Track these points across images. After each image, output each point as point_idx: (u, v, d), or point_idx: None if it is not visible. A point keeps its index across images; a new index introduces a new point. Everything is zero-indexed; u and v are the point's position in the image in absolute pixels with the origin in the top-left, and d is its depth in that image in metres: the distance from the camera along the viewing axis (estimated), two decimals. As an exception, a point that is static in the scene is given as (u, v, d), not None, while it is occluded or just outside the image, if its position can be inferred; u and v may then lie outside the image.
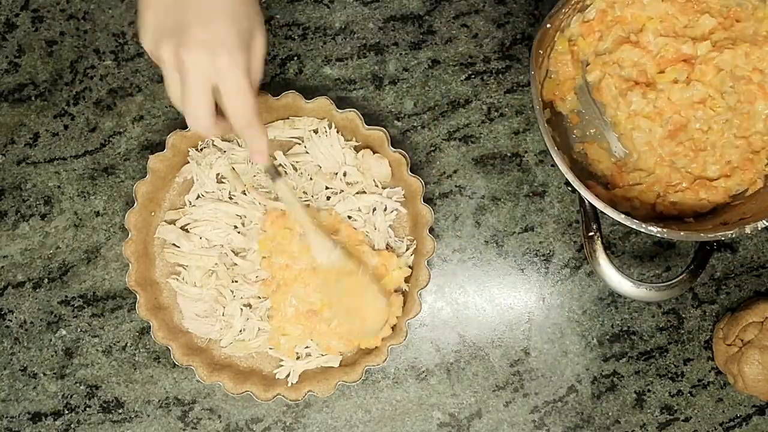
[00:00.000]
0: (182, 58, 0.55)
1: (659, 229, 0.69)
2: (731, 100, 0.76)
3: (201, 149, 0.79)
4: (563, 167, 0.69)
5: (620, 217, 0.69)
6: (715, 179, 0.77)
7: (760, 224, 0.69)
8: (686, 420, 0.83)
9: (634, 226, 0.69)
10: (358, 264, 0.74)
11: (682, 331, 0.83)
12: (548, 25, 0.71)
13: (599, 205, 0.69)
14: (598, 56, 0.78)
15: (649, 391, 0.83)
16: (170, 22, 0.56)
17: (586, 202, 0.71)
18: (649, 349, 0.83)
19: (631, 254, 0.83)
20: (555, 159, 0.69)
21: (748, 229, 0.69)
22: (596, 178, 0.80)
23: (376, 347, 0.77)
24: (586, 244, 0.73)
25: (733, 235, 0.69)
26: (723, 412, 0.83)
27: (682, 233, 0.69)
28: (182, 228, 0.79)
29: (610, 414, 0.83)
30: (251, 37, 0.58)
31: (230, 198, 0.79)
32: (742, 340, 0.79)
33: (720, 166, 0.78)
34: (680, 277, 0.73)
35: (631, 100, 0.77)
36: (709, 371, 0.83)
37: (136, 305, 0.76)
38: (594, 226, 0.73)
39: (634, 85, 0.77)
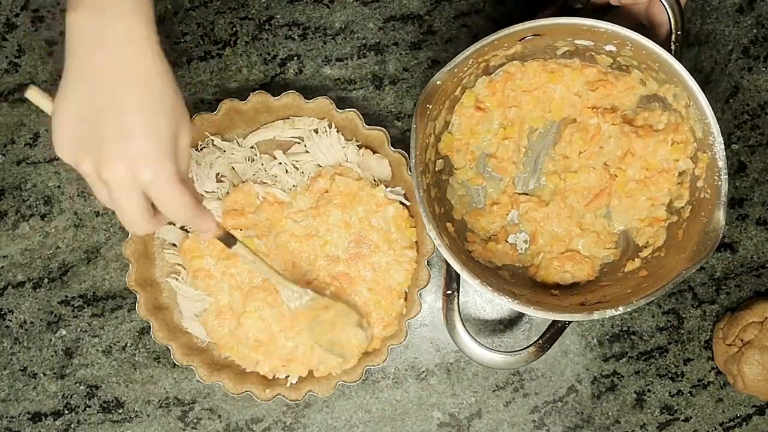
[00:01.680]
0: (104, 176, 0.53)
1: (509, 299, 0.68)
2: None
3: (201, 149, 0.79)
4: (427, 222, 0.69)
5: (474, 282, 0.68)
6: (585, 256, 0.78)
7: (609, 312, 0.67)
8: (686, 420, 0.83)
9: (487, 294, 0.68)
10: (331, 299, 0.74)
11: (682, 331, 0.83)
12: (438, 81, 0.69)
13: (456, 266, 0.68)
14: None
15: (649, 391, 0.83)
16: (86, 134, 0.52)
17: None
18: (649, 349, 0.83)
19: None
20: (422, 214, 0.69)
21: (595, 315, 0.67)
22: (477, 233, 0.79)
23: (376, 348, 0.77)
24: (444, 301, 0.72)
25: (580, 320, 0.68)
26: (723, 412, 0.83)
27: (531, 308, 0.68)
28: (182, 228, 0.79)
29: (610, 414, 0.83)
30: (175, 138, 0.54)
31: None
32: (742, 340, 0.79)
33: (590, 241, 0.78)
34: (527, 348, 0.71)
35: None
36: (709, 371, 0.83)
37: (136, 305, 0.76)
38: (454, 285, 0.72)
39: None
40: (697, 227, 0.70)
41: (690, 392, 0.83)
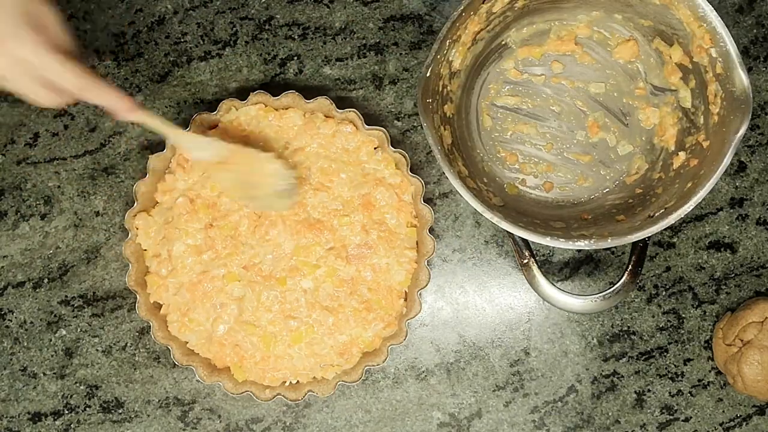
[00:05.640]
0: None
1: (587, 242, 0.69)
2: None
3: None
4: (478, 204, 0.70)
5: (545, 240, 0.69)
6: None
7: (685, 209, 0.69)
8: (686, 420, 0.83)
9: (563, 246, 0.69)
10: (237, 146, 0.73)
11: (682, 331, 0.83)
12: (428, 74, 0.70)
13: (523, 234, 0.70)
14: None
15: (649, 391, 0.83)
16: None
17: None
18: (649, 349, 0.83)
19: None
20: (469, 199, 0.70)
21: (672, 218, 0.69)
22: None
23: (376, 348, 0.77)
24: (524, 271, 0.73)
25: (662, 228, 0.69)
26: (723, 412, 0.83)
27: (609, 240, 0.69)
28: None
29: (610, 414, 0.83)
30: (28, 15, 0.58)
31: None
32: (741, 340, 0.79)
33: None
34: (622, 280, 0.72)
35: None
36: (709, 371, 0.83)
37: (136, 305, 0.76)
38: (526, 253, 0.73)
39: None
40: (728, 100, 0.70)
41: (690, 392, 0.83)
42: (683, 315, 0.83)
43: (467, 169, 0.76)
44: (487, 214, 0.69)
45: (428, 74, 0.69)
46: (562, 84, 0.82)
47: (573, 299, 0.72)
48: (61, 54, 0.58)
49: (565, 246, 0.69)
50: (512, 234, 0.71)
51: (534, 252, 0.74)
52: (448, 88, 0.76)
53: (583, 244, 0.69)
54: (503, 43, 0.81)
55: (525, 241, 0.72)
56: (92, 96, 0.61)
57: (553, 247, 0.83)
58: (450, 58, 0.74)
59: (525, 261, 0.73)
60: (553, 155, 0.82)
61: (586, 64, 0.81)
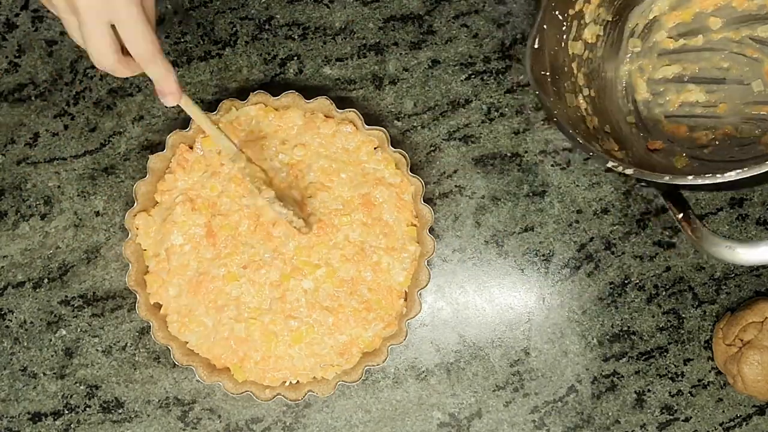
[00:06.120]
0: (74, 2, 0.55)
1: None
2: None
3: (201, 149, 0.80)
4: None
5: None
6: None
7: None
8: (686, 420, 0.83)
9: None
10: (244, 156, 0.72)
11: (682, 331, 0.83)
12: (536, 45, 0.66)
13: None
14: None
15: (649, 391, 0.83)
16: None
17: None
18: (649, 349, 0.83)
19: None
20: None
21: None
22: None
23: (376, 348, 0.77)
24: (685, 226, 0.64)
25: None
26: (723, 412, 0.83)
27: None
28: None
29: (610, 414, 0.83)
30: None
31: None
32: (741, 340, 0.79)
33: None
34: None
35: None
36: (709, 371, 0.83)
37: (136, 305, 0.76)
38: (686, 208, 0.65)
39: None
40: None
41: (690, 392, 0.83)
42: (683, 315, 0.83)
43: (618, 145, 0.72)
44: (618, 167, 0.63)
45: (536, 45, 0.66)
46: (725, 37, 0.74)
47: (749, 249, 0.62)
48: (144, 16, 0.57)
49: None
50: (666, 196, 0.63)
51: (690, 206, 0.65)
52: (575, 72, 0.73)
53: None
54: (650, 18, 0.76)
55: (677, 195, 0.64)
56: (152, 68, 0.60)
57: (554, 249, 0.83)
58: (574, 32, 0.70)
59: (681, 215, 0.65)
60: (730, 115, 0.74)
61: (746, 8, 0.73)
